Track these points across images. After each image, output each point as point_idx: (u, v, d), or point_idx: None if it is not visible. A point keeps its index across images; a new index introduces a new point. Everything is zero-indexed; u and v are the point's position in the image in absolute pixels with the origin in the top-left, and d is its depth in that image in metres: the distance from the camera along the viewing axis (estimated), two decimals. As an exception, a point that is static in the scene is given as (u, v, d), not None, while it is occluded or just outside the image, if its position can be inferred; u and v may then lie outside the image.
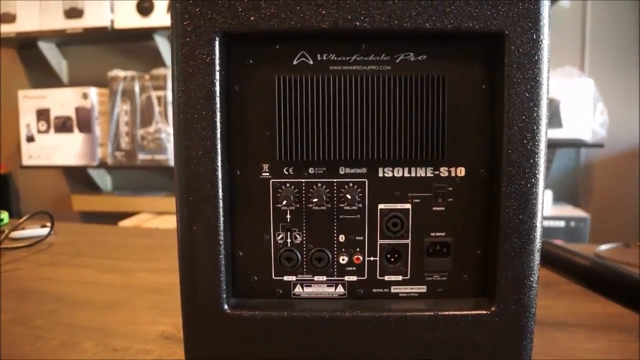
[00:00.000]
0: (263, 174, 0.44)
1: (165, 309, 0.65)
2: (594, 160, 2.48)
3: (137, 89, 2.40)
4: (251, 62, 0.44)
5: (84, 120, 2.49)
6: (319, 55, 0.43)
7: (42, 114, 2.52)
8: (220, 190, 0.43)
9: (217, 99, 0.42)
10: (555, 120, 2.12)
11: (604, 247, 0.90)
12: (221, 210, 0.43)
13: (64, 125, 2.51)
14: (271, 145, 0.44)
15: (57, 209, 2.70)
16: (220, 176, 0.42)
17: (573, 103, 2.13)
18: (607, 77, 2.34)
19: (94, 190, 2.81)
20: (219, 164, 0.42)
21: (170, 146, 2.34)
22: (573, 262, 0.75)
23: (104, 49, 2.71)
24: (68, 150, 2.54)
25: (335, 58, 0.43)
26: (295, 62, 0.43)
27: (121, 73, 2.44)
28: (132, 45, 2.66)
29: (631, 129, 2.38)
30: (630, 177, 2.43)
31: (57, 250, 0.97)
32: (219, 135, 0.42)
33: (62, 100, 2.50)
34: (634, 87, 2.37)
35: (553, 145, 2.21)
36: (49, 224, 1.05)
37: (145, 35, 2.42)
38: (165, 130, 2.37)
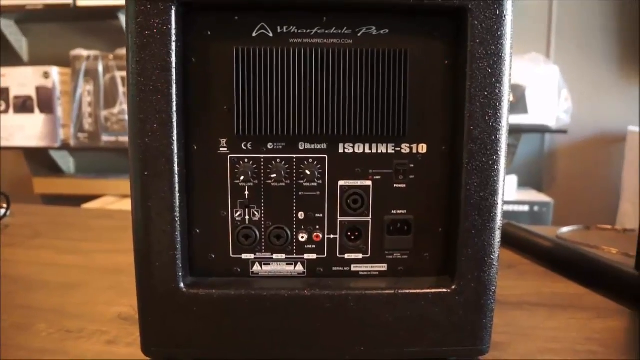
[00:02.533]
0: (221, 148, 0.43)
1: (124, 290, 0.63)
2: (558, 146, 2.52)
3: (100, 69, 2.35)
4: (209, 33, 0.42)
5: (45, 101, 2.43)
6: (279, 28, 0.42)
7: (1, 94, 2.45)
8: (176, 166, 0.41)
9: (173, 71, 0.40)
10: (520, 106, 2.15)
11: (565, 230, 0.92)
12: (177, 186, 0.41)
13: (24, 105, 2.44)
14: (229, 119, 0.42)
15: (17, 191, 2.62)
16: (176, 151, 0.41)
17: (538, 89, 2.16)
18: (572, 64, 2.38)
19: (56, 173, 2.75)
20: (175, 138, 0.41)
21: (135, 128, 2.30)
22: (535, 244, 0.76)
23: (66, 27, 2.64)
24: (29, 131, 2.47)
25: (296, 31, 0.42)
26: (254, 34, 0.42)
27: (84, 52, 2.38)
28: (96, 23, 2.59)
29: (594, 116, 2.42)
30: (592, 163, 2.48)
31: (13, 232, 0.94)
32: (174, 109, 0.41)
33: (22, 80, 2.43)
34: (598, 75, 2.41)
35: (518, 130, 2.24)
36: (5, 205, 1.02)
37: (109, 13, 2.36)
38: (130, 112, 2.32)
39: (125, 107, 2.34)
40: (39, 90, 2.43)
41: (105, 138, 2.40)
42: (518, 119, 2.14)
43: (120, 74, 2.34)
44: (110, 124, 2.38)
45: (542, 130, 2.28)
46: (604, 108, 2.42)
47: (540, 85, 2.16)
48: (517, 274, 0.71)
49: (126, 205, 2.32)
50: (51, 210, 1.29)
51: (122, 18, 2.31)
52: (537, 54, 2.23)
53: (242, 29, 0.42)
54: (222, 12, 0.42)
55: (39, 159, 2.76)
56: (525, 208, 2.19)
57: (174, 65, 0.40)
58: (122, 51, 2.37)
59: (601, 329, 0.54)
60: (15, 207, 1.05)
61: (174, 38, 0.40)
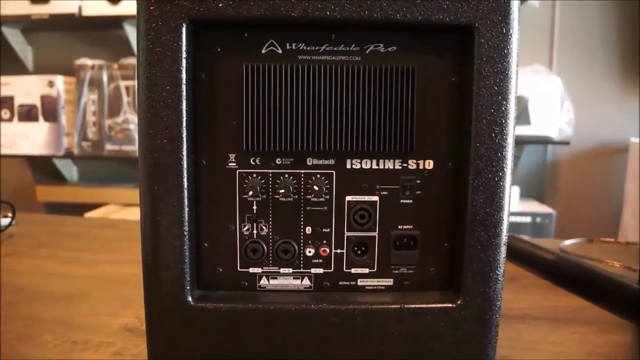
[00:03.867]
0: (229, 164, 0.44)
1: (129, 301, 0.63)
2: (560, 157, 2.52)
3: (105, 78, 2.36)
4: (219, 49, 0.43)
5: (49, 109, 2.43)
6: (288, 45, 0.43)
7: (6, 102, 2.45)
8: (185, 180, 0.42)
9: (184, 87, 0.41)
10: (523, 117, 2.15)
11: (568, 242, 0.92)
12: (186, 200, 0.42)
13: (28, 114, 2.45)
14: (238, 135, 0.43)
15: (20, 199, 2.62)
16: (185, 166, 0.42)
17: (541, 101, 2.16)
18: (575, 76, 2.38)
19: (59, 181, 2.75)
20: (184, 153, 0.41)
21: (138, 137, 2.30)
22: (538, 257, 0.76)
23: (71, 37, 2.65)
24: (33, 139, 2.48)
25: (305, 47, 0.43)
26: (263, 51, 0.43)
27: (89, 61, 2.39)
28: (101, 33, 2.60)
29: (596, 127, 2.43)
30: (595, 174, 2.48)
31: (18, 241, 0.95)
32: (184, 124, 0.41)
33: (27, 88, 2.43)
34: (600, 86, 2.42)
35: (521, 142, 2.24)
36: (10, 214, 1.02)
37: (114, 23, 2.37)
38: (134, 121, 2.33)
39: (129, 116, 2.34)
40: (43, 99, 2.43)
41: (108, 147, 2.40)
42: (520, 130, 2.14)
43: (124, 84, 2.35)
44: (114, 133, 2.38)
45: (544, 141, 2.28)
46: (606, 119, 2.43)
47: (543, 97, 2.17)
48: (519, 287, 0.71)
49: (129, 213, 2.33)
50: (55, 220, 1.29)
51: (127, 28, 2.34)
52: (540, 66, 2.24)
53: (251, 45, 0.43)
54: (231, 29, 0.42)
55: (42, 167, 2.76)
56: (528, 219, 2.19)
57: (184, 81, 0.41)
58: (127, 61, 2.38)
59: (603, 343, 0.54)
60: (19, 215, 1.05)
61: (184, 55, 0.41)
